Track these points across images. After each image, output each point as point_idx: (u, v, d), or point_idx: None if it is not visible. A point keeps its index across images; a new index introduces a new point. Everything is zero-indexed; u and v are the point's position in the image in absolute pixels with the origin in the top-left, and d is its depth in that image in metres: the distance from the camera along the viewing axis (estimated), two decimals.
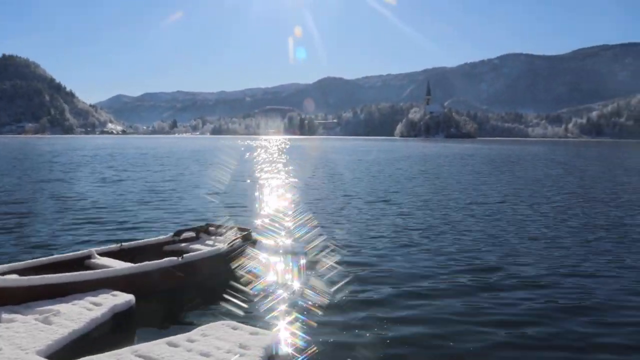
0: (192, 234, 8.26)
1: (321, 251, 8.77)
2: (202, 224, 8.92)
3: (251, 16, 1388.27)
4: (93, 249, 7.09)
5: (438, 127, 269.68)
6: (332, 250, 8.86)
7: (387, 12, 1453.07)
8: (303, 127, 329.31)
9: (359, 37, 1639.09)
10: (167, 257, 6.85)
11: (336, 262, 8.12)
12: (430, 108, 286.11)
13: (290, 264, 8.02)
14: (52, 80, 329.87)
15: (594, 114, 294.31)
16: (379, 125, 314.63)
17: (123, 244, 7.55)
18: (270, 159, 41.32)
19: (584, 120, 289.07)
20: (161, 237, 8.19)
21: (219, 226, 8.60)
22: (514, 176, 26.26)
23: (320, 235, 9.92)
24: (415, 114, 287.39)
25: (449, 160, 42.21)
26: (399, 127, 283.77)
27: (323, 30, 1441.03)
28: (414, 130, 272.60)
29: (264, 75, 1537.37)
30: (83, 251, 7.03)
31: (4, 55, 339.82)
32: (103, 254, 7.13)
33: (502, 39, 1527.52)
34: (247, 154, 52.66)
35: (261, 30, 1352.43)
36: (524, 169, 32.40)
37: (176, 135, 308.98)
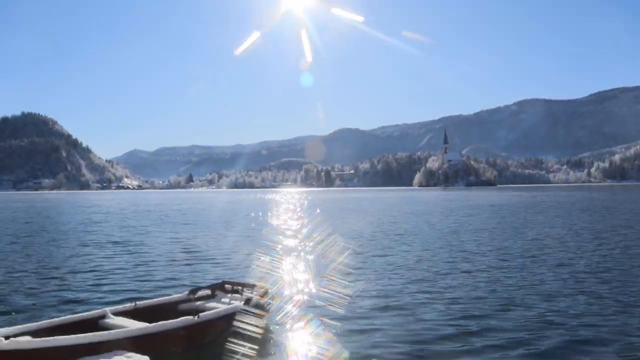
0: (207, 292, 8.04)
1: (341, 308, 8.47)
2: (218, 281, 8.69)
3: (265, 70, 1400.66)
4: (107, 309, 6.94)
5: (457, 175, 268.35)
6: (354, 309, 8.60)
7: (401, 60, 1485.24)
8: (320, 179, 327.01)
9: (375, 87, 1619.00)
10: (182, 316, 6.70)
11: (357, 320, 7.88)
12: (449, 156, 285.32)
13: (309, 321, 7.79)
14: (69, 136, 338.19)
15: (617, 157, 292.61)
16: (397, 175, 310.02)
17: (137, 303, 7.37)
18: (291, 214, 37.45)
19: (607, 164, 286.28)
20: (176, 295, 7.96)
21: (235, 283, 8.34)
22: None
23: (340, 294, 9.37)
24: (433, 163, 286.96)
25: (482, 212, 41.32)
26: (418, 177, 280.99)
27: (337, 82, 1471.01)
28: (433, 179, 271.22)
29: (280, 128, 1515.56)
30: (97, 311, 6.89)
31: (23, 113, 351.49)
32: (117, 313, 6.95)
33: (519, 84, 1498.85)
34: (267, 208, 49.75)
35: (276, 83, 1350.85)
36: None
37: (192, 189, 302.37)
